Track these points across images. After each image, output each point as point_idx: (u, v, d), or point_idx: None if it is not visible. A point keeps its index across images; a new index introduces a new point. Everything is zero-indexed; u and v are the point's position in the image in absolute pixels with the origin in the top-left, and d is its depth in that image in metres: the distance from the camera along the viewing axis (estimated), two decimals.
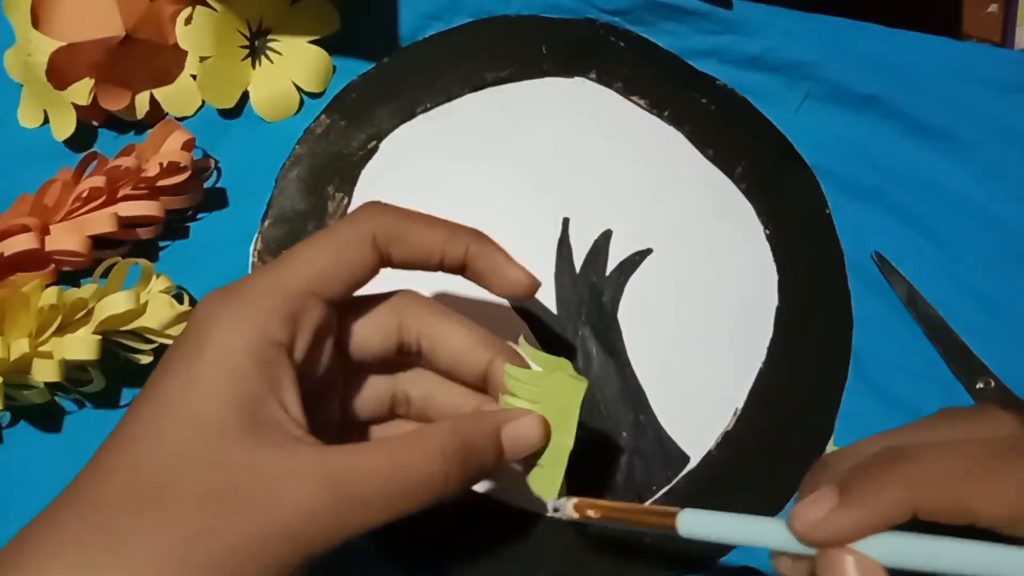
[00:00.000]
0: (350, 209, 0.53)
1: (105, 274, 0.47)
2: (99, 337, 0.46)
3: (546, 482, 0.39)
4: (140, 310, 0.46)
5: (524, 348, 0.40)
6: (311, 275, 0.36)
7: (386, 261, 0.39)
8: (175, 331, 0.47)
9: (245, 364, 0.34)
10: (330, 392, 0.40)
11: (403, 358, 0.41)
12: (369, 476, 0.33)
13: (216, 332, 0.34)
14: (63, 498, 0.33)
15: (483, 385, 0.41)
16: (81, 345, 0.46)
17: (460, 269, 0.40)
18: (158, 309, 0.47)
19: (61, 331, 0.46)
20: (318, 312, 0.36)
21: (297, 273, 0.36)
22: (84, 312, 0.46)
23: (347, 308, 0.39)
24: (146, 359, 0.48)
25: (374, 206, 0.39)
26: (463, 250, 0.39)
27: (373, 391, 0.42)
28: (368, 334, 0.40)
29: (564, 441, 0.39)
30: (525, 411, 0.39)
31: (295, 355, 0.35)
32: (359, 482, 0.33)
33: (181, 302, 0.48)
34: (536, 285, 0.40)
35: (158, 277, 0.48)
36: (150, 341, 0.47)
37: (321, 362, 0.38)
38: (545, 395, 0.39)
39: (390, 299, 0.41)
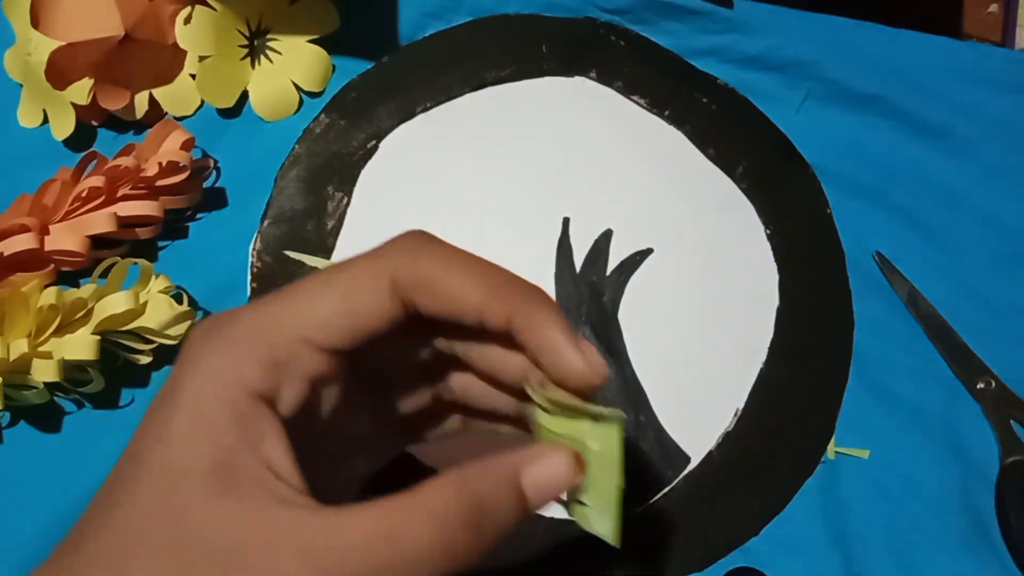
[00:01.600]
0: (350, 209, 0.53)
1: (104, 274, 0.47)
2: (98, 337, 0.46)
3: (600, 520, 0.32)
4: (139, 310, 0.46)
5: (540, 393, 0.33)
6: (308, 320, 0.31)
7: (412, 310, 0.32)
8: (175, 331, 0.47)
9: (217, 416, 0.29)
10: (350, 444, 0.35)
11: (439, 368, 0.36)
12: (353, 550, 0.28)
13: (191, 380, 0.30)
14: (46, 567, 0.30)
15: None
16: (80, 345, 0.45)
17: (504, 336, 0.32)
18: (157, 309, 0.47)
19: (60, 331, 0.46)
20: (313, 361, 0.31)
21: (292, 315, 0.31)
22: (83, 312, 0.46)
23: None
24: (145, 359, 0.48)
25: (408, 239, 0.33)
26: (505, 314, 0.31)
27: (411, 403, 0.36)
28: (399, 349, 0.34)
29: (612, 480, 0.31)
30: (548, 448, 0.31)
31: (281, 407, 0.30)
32: (339, 558, 0.28)
33: (180, 302, 0.48)
34: (595, 379, 0.31)
35: (157, 277, 0.48)
36: (149, 341, 0.47)
37: (324, 408, 0.33)
38: (578, 436, 0.32)
39: None
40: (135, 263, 0.48)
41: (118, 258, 0.48)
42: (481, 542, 0.29)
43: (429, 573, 0.28)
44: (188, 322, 0.48)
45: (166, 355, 0.49)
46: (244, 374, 0.30)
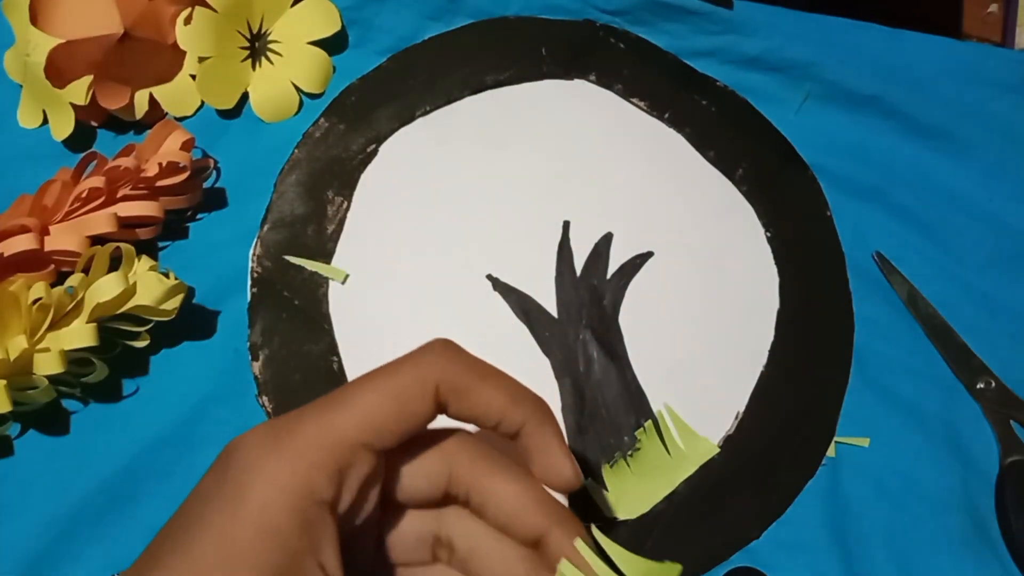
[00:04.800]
0: (350, 214, 0.53)
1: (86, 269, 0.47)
2: (95, 324, 0.46)
3: None
4: (131, 290, 0.46)
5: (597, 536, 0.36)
6: (366, 425, 0.34)
7: (441, 410, 0.36)
8: (169, 305, 0.47)
9: (286, 524, 0.31)
10: (367, 532, 0.37)
11: (449, 503, 0.38)
12: None
13: (257, 485, 0.31)
14: None
15: (534, 546, 0.37)
16: (78, 335, 0.45)
17: (512, 437, 0.37)
18: (149, 286, 0.47)
19: (55, 326, 0.46)
20: (368, 465, 0.34)
21: (351, 422, 0.33)
22: (73, 304, 0.46)
23: (395, 449, 0.36)
24: (142, 342, 0.48)
25: (443, 349, 0.36)
26: (520, 422, 0.36)
27: (413, 532, 0.38)
28: (414, 480, 0.37)
29: None
30: None
31: (339, 509, 0.33)
32: None
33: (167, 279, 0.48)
34: (578, 484, 0.36)
35: (140, 258, 0.48)
36: (144, 322, 0.47)
37: (364, 510, 0.35)
38: None
39: (442, 444, 0.37)
40: (116, 246, 0.48)
41: (98, 247, 0.47)
42: None
43: None
44: (181, 295, 0.48)
45: (162, 338, 0.49)
46: (313, 483, 0.32)
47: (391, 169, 0.54)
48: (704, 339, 0.51)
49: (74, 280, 0.47)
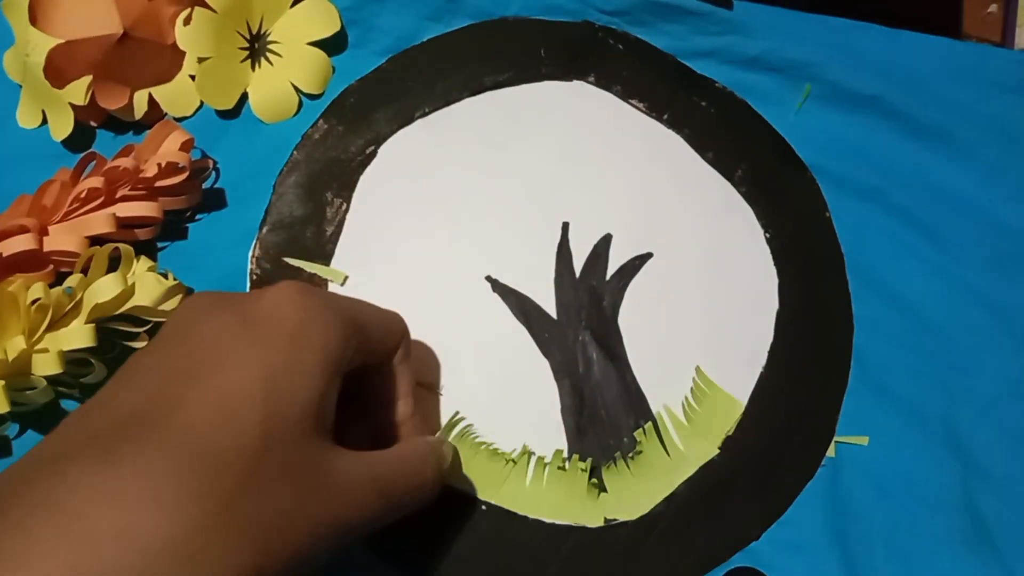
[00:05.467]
0: (349, 215, 0.53)
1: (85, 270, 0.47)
2: (93, 325, 0.45)
3: None
4: (129, 291, 0.46)
5: None
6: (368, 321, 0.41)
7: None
8: (168, 306, 0.47)
9: (333, 366, 0.37)
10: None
11: None
12: (398, 480, 0.39)
13: (318, 326, 0.37)
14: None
15: None
16: (77, 335, 0.45)
17: None
18: (147, 287, 0.47)
19: (54, 327, 0.46)
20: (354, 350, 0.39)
21: (365, 315, 0.41)
22: (72, 304, 0.46)
23: None
24: (141, 343, 0.48)
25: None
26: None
27: None
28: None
29: None
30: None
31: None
32: (392, 484, 0.39)
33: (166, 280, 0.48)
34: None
35: (139, 259, 0.48)
36: (142, 323, 0.47)
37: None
38: None
39: None
40: (115, 247, 0.48)
41: (97, 247, 0.47)
42: (439, 478, 0.43)
43: (429, 493, 0.42)
44: (180, 295, 0.48)
45: None
46: (347, 341, 0.38)
47: (390, 171, 0.54)
48: (704, 340, 0.51)
49: (73, 280, 0.47)
